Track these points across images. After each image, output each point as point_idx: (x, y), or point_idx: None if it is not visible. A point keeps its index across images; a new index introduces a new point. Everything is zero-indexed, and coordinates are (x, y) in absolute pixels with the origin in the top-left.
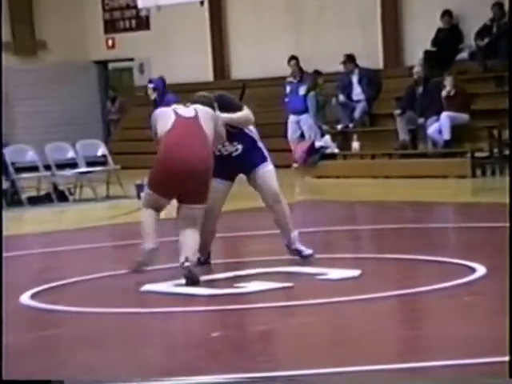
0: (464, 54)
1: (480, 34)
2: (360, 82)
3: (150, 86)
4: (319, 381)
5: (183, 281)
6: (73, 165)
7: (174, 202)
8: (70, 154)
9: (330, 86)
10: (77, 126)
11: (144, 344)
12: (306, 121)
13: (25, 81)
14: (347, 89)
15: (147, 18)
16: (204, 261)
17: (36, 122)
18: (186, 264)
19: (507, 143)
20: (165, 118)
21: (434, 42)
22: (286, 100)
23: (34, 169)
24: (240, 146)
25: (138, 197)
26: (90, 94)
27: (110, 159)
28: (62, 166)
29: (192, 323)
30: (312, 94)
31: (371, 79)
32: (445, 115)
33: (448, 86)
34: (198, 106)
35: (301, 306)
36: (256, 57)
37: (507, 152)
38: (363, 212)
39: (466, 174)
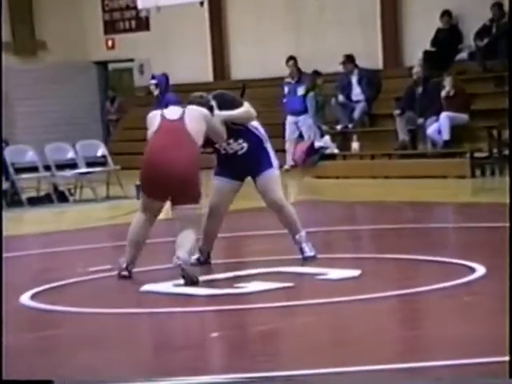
0: (463, 54)
1: (479, 34)
2: (359, 82)
3: (153, 82)
4: (319, 381)
5: (182, 281)
6: (73, 165)
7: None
8: (70, 155)
9: (329, 87)
10: (77, 126)
11: (144, 344)
12: (305, 121)
13: (25, 81)
14: (347, 89)
15: (147, 18)
16: (204, 261)
17: (36, 122)
18: (177, 262)
19: (507, 143)
20: (153, 121)
21: (434, 43)
22: (284, 101)
23: (34, 169)
24: (245, 145)
25: (138, 197)
26: (90, 94)
27: (109, 160)
28: (61, 166)
29: (192, 323)
30: (311, 94)
31: (371, 79)
32: (444, 115)
33: (447, 86)
34: (189, 107)
35: (301, 305)
36: (256, 57)
37: (507, 152)
38: (363, 212)
39: (465, 174)
